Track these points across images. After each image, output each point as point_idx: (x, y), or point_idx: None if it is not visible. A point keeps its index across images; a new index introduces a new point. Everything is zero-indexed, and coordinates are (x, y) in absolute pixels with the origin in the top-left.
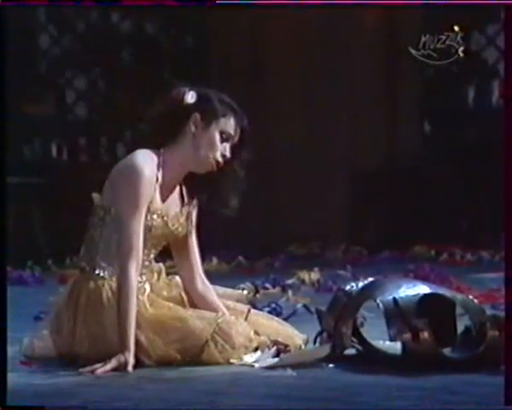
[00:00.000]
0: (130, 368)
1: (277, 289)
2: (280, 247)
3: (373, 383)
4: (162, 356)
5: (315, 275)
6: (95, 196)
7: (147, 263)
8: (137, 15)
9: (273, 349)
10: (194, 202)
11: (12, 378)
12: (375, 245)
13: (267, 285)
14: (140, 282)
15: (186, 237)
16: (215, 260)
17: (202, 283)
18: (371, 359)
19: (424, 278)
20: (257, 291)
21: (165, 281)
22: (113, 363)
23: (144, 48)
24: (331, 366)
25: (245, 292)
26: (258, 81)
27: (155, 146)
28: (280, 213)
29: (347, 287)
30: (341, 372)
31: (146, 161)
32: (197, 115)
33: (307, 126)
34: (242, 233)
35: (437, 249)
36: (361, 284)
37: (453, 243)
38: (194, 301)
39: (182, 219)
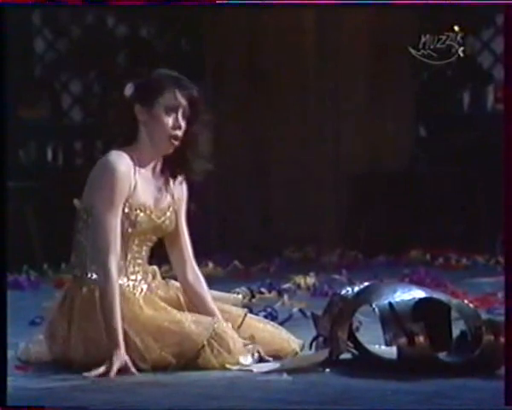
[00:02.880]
0: (133, 369)
1: (273, 294)
2: (276, 251)
3: (369, 388)
4: (157, 360)
5: (310, 279)
6: (76, 201)
7: (140, 261)
8: (133, 18)
9: (256, 355)
10: (184, 189)
11: (8, 383)
12: (370, 250)
13: (263, 290)
14: (135, 281)
15: (177, 227)
16: (211, 265)
17: (193, 273)
18: (367, 363)
19: (419, 283)
20: (253, 296)
21: (162, 282)
22: (116, 365)
23: (140, 51)
24: (327, 370)
25: (240, 296)
26: (256, 83)
27: (120, 146)
28: (275, 218)
29: (343, 291)
30: (337, 377)
31: (119, 158)
32: (138, 105)
33: (303, 130)
34: (238, 238)
35: (432, 254)
36: (356, 289)
37: (448, 248)
38: (185, 291)
39: (168, 213)
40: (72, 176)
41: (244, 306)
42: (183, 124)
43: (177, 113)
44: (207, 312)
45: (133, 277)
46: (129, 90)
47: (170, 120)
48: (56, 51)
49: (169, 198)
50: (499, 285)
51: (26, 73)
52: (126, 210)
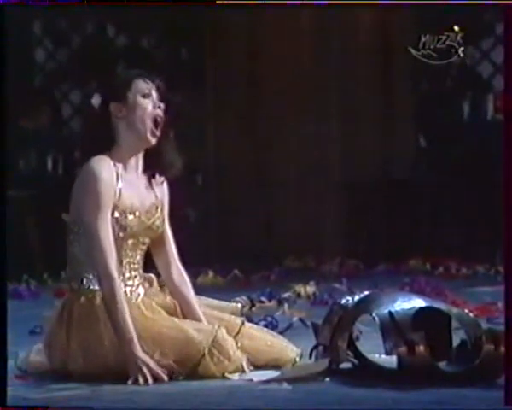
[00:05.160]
0: (159, 371)
1: (273, 303)
2: (276, 260)
3: (368, 397)
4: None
5: (311, 288)
6: (64, 215)
7: (135, 266)
8: (133, 27)
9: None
10: (165, 190)
11: (7, 392)
12: (370, 258)
13: (263, 299)
14: (132, 286)
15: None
16: (211, 274)
17: (178, 273)
18: (367, 372)
19: (420, 292)
20: (253, 305)
21: (158, 289)
22: (148, 372)
23: (140, 60)
24: (327, 379)
25: (239, 305)
26: (256, 88)
27: (103, 153)
28: (276, 227)
29: (343, 300)
30: (337, 386)
31: (101, 163)
32: (113, 104)
33: (303, 138)
34: (238, 247)
35: (432, 263)
36: (357, 298)
37: (449, 257)
38: (170, 292)
39: (157, 213)
40: (72, 185)
41: (244, 315)
42: (162, 104)
43: (152, 96)
44: (193, 316)
45: (130, 282)
46: (96, 99)
47: (149, 103)
48: (57, 61)
49: (153, 198)
50: (499, 294)
51: (26, 83)
52: (116, 215)
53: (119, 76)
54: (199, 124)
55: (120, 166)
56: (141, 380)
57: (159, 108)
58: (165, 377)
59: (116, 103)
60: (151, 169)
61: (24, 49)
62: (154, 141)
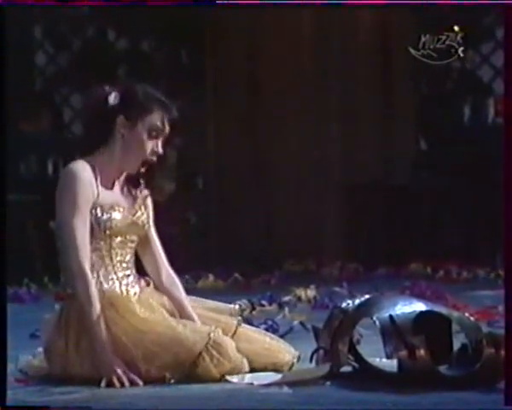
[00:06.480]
0: (132, 375)
1: (274, 307)
2: (276, 264)
3: (369, 401)
4: (154, 373)
5: (311, 292)
6: (51, 223)
7: (128, 265)
8: (133, 30)
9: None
10: (149, 204)
11: (7, 396)
12: (371, 262)
13: (263, 302)
14: (127, 285)
15: (147, 233)
16: (211, 277)
17: (169, 277)
18: (367, 376)
19: (420, 296)
20: (253, 308)
21: (154, 289)
22: (125, 375)
23: (140, 64)
24: (327, 383)
25: (237, 307)
26: (256, 92)
27: (89, 149)
28: (276, 230)
29: (344, 304)
30: (338, 389)
31: (79, 165)
32: (122, 117)
33: (303, 142)
34: (239, 250)
35: (433, 267)
36: (357, 302)
37: (449, 261)
38: (162, 294)
39: (142, 209)
40: None
41: (244, 318)
42: (160, 151)
43: (158, 138)
44: (186, 316)
45: (124, 281)
46: (114, 99)
47: (150, 145)
48: (57, 65)
49: (133, 199)
50: (500, 298)
51: (27, 87)
52: (99, 214)
53: (141, 97)
54: (199, 124)
55: (99, 172)
56: (116, 383)
57: (156, 154)
58: (140, 382)
59: (125, 120)
60: (138, 184)
61: (24, 52)
62: (134, 172)
